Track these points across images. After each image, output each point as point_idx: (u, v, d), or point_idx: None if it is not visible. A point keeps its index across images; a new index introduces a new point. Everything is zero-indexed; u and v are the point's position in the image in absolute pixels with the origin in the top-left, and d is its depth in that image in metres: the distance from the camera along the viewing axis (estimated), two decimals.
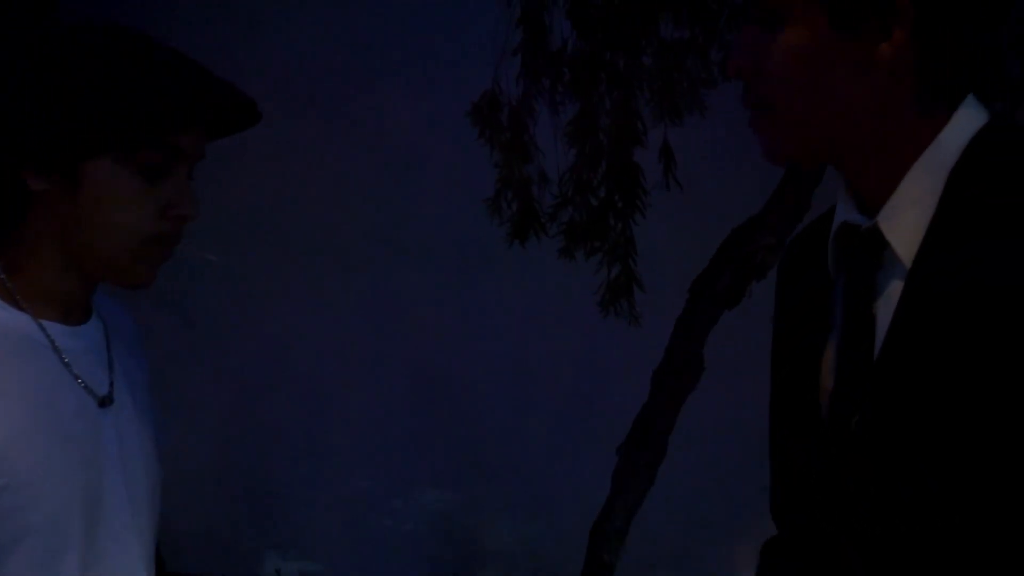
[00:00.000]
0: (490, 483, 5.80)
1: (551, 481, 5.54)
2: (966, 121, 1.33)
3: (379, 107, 5.50)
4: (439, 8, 5.42)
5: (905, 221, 1.33)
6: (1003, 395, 1.21)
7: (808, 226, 1.49)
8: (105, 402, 1.57)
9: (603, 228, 4.04)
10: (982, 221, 1.28)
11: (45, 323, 1.53)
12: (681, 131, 4.00)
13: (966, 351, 1.25)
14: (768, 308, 1.54)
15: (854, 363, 1.35)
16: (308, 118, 5.52)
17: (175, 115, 1.50)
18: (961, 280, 1.27)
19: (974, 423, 1.23)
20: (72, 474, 1.54)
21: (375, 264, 5.76)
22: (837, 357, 1.37)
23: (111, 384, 1.60)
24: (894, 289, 1.33)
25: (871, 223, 1.33)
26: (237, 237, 6.00)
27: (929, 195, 1.32)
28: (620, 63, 3.93)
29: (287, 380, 5.57)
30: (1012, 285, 1.22)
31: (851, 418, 1.33)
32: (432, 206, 5.56)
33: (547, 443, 5.59)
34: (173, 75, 1.50)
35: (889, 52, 1.30)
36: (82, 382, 1.54)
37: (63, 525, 1.54)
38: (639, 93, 3.93)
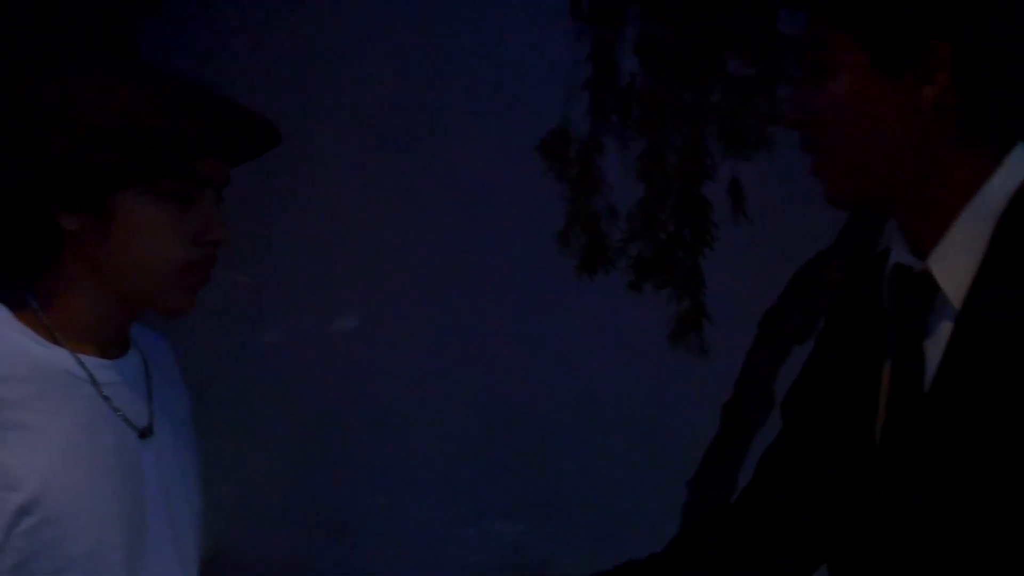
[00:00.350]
0: (560, 515, 5.81)
1: (621, 513, 5.55)
2: (1015, 168, 1.38)
3: (451, 140, 5.56)
4: (509, 45, 5.48)
5: (955, 265, 1.37)
6: None
7: (866, 260, 1.53)
8: (145, 433, 1.61)
9: (672, 262, 4.07)
10: None
11: (83, 357, 1.57)
12: (750, 165, 4.02)
13: (1012, 392, 1.29)
14: None
15: (906, 396, 1.41)
16: (383, 151, 5.60)
17: (191, 142, 1.54)
18: (1008, 323, 1.31)
19: (1019, 461, 1.28)
20: (113, 506, 1.57)
21: (446, 296, 5.81)
22: (889, 392, 1.43)
23: (151, 416, 1.64)
24: (944, 329, 1.39)
25: (922, 266, 1.38)
26: (310, 267, 6.08)
27: (978, 240, 1.36)
28: (688, 99, 3.97)
29: (360, 410, 5.64)
30: None
31: (902, 450, 1.39)
32: (502, 239, 5.61)
33: (617, 476, 5.60)
34: (187, 104, 1.54)
35: (932, 95, 1.35)
36: (122, 414, 1.59)
37: (104, 556, 1.56)
38: (707, 128, 3.97)
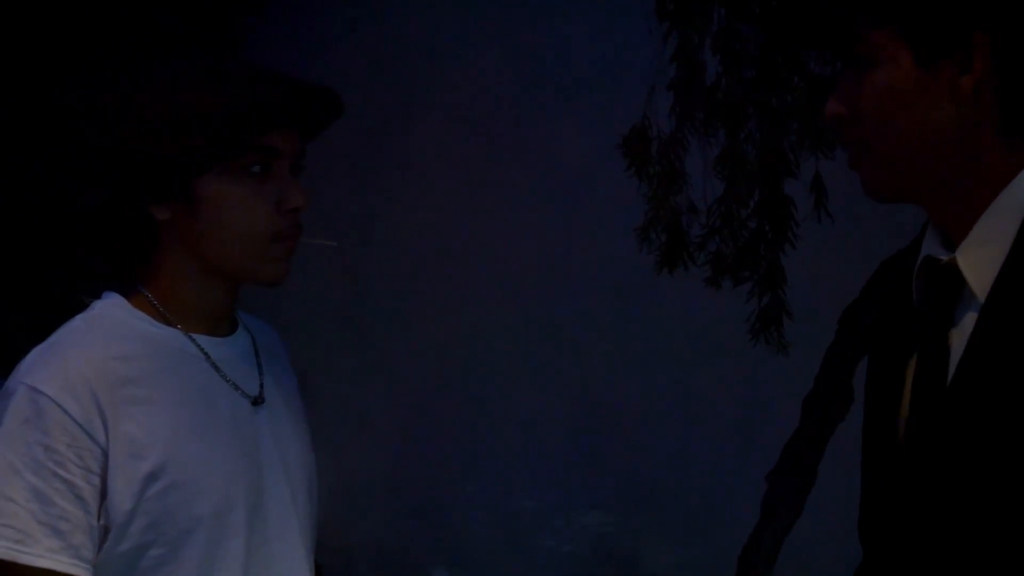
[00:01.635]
0: (648, 507, 5.83)
1: (708, 506, 5.55)
2: None
3: (546, 136, 5.62)
4: (599, 46, 5.53)
5: (981, 258, 1.39)
6: None
7: (900, 253, 1.57)
8: (258, 402, 1.75)
9: (753, 258, 4.10)
10: None
11: (195, 336, 1.71)
12: (832, 164, 4.04)
13: None
14: None
15: (928, 390, 1.43)
16: (480, 143, 5.68)
17: (257, 119, 1.65)
18: None
19: None
20: (233, 469, 1.70)
21: (537, 292, 5.87)
22: (913, 383, 1.46)
23: (261, 387, 1.77)
24: (969, 321, 1.40)
25: (950, 257, 1.41)
26: (407, 258, 6.18)
27: (1006, 234, 1.38)
28: (771, 98, 3.99)
29: (455, 400, 5.73)
30: None
31: (924, 441, 1.41)
32: (594, 234, 5.65)
33: (704, 468, 5.60)
34: (249, 84, 1.67)
35: (970, 84, 1.37)
36: (234, 385, 1.73)
37: (228, 516, 1.69)
38: (789, 127, 4.00)
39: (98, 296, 1.74)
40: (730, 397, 5.47)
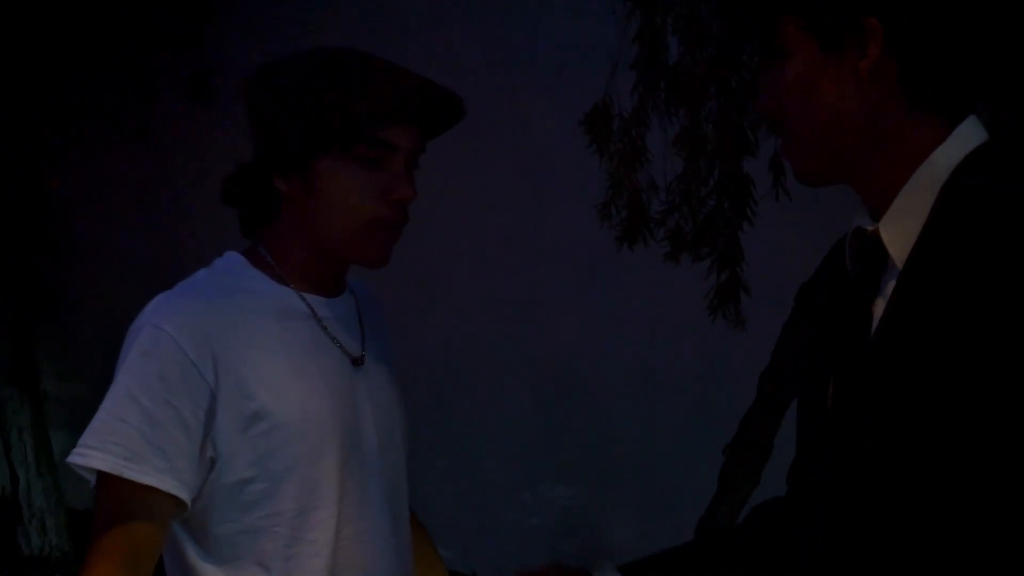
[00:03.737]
0: (612, 480, 5.89)
1: (670, 480, 5.61)
2: (961, 141, 1.48)
3: (512, 114, 5.65)
4: (567, 24, 5.56)
5: (900, 228, 1.47)
6: (975, 382, 1.34)
7: (844, 235, 1.66)
8: (357, 362, 1.90)
9: (712, 235, 4.17)
10: (963, 233, 1.41)
11: (306, 295, 1.87)
12: None
13: (943, 345, 1.38)
14: None
15: (851, 351, 1.52)
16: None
17: (375, 115, 1.79)
18: (942, 283, 1.40)
19: (950, 404, 1.36)
20: (330, 417, 1.85)
21: (503, 264, 5.91)
22: (839, 345, 1.55)
23: (362, 348, 1.94)
24: (890, 288, 1.49)
25: (874, 227, 1.50)
26: None
27: (922, 207, 1.46)
28: (731, 78, 4.05)
29: (422, 374, 5.80)
30: (985, 290, 1.35)
31: (846, 400, 1.50)
32: (557, 210, 5.69)
33: (667, 443, 5.65)
34: (374, 81, 1.83)
35: (866, 67, 1.46)
36: (338, 344, 1.88)
37: (323, 459, 1.84)
38: (749, 106, 4.06)
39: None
40: (692, 372, 5.53)
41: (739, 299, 4.21)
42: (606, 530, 5.96)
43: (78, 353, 7.47)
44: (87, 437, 1.75)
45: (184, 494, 1.75)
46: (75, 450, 1.75)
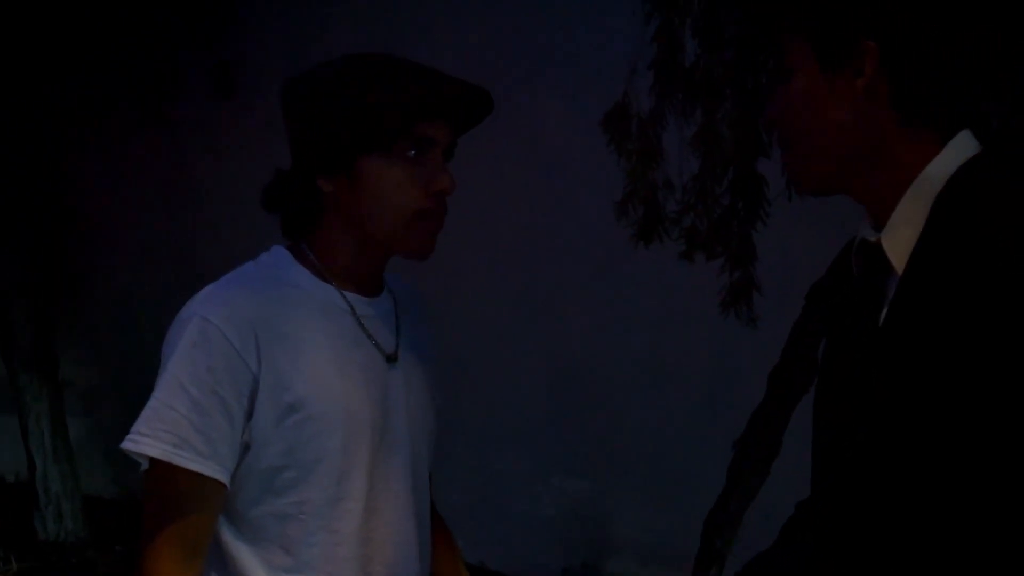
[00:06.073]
0: (622, 473, 5.93)
1: (680, 473, 5.64)
2: (955, 153, 1.56)
3: (530, 112, 5.67)
4: (581, 26, 5.60)
5: (899, 238, 1.56)
6: (971, 378, 1.42)
7: (854, 237, 1.73)
8: (391, 359, 1.97)
9: (726, 234, 4.22)
10: (957, 239, 1.49)
11: (346, 293, 1.95)
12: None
13: (939, 344, 1.45)
14: None
15: (861, 351, 1.60)
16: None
17: (414, 112, 1.87)
18: (938, 286, 1.48)
19: (949, 398, 1.44)
20: (362, 411, 1.92)
21: (519, 259, 5.94)
22: (851, 345, 1.63)
23: (397, 346, 2.00)
24: (892, 292, 1.57)
25: (876, 238, 1.58)
26: None
27: (919, 216, 1.55)
28: (747, 80, 4.09)
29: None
30: (979, 291, 1.43)
31: (856, 397, 1.57)
32: (574, 207, 5.73)
33: (676, 437, 5.68)
34: (410, 80, 1.90)
35: (862, 85, 1.55)
36: (374, 341, 1.96)
37: (353, 452, 1.91)
38: (764, 109, 4.10)
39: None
40: (702, 367, 5.57)
41: (751, 297, 4.25)
42: (616, 522, 5.99)
43: (96, 341, 7.54)
44: (139, 425, 1.83)
45: (226, 479, 1.83)
46: (128, 437, 1.83)
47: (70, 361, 7.07)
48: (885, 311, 1.56)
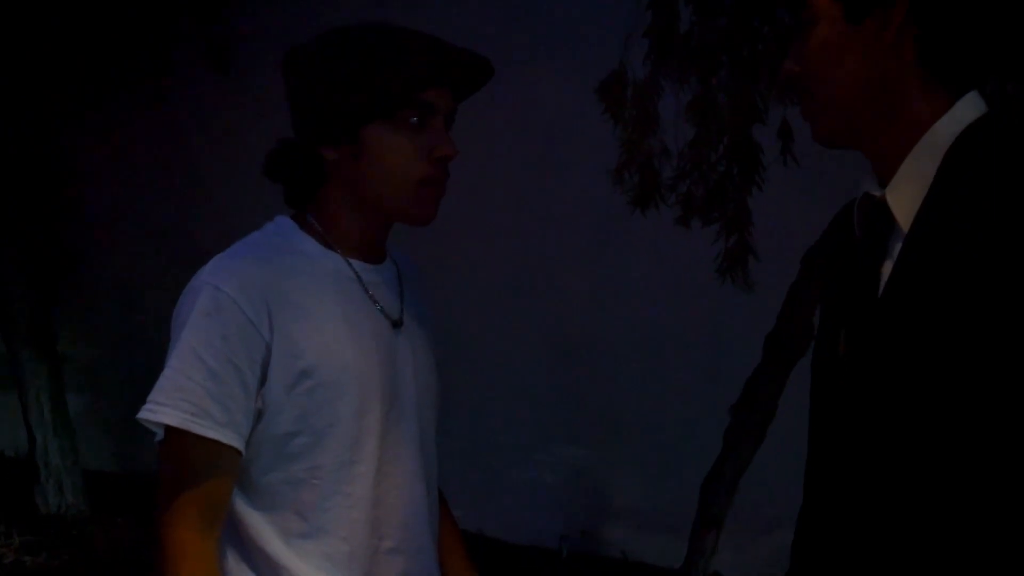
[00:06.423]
0: (620, 440, 5.94)
1: (677, 439, 5.66)
2: (964, 111, 1.55)
3: (527, 81, 5.66)
4: None
5: (905, 194, 1.54)
6: (976, 337, 1.40)
7: (852, 200, 1.75)
8: (397, 324, 1.98)
9: (721, 200, 4.25)
10: (964, 197, 1.47)
11: (351, 261, 1.95)
12: (799, 110, 4.15)
13: (946, 303, 1.43)
14: None
15: (861, 310, 1.58)
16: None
17: (417, 79, 1.88)
18: (945, 246, 1.46)
19: (953, 357, 1.42)
20: (372, 377, 1.92)
21: (517, 227, 5.94)
22: (850, 305, 1.61)
23: (402, 312, 2.01)
24: (896, 250, 1.54)
25: (882, 194, 1.57)
26: None
27: (926, 173, 1.53)
28: (742, 48, 4.11)
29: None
30: (985, 249, 1.41)
31: (856, 359, 1.55)
32: (571, 174, 5.72)
33: (673, 403, 5.69)
34: (411, 48, 1.91)
35: (889, 37, 1.54)
36: (380, 307, 1.97)
37: (364, 416, 1.92)
38: (759, 75, 4.12)
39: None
40: (700, 334, 5.57)
41: (747, 263, 4.28)
42: (614, 489, 6.02)
43: (94, 316, 7.55)
44: (155, 394, 1.82)
45: (242, 446, 1.84)
46: (144, 407, 1.82)
47: (69, 336, 7.08)
48: (891, 268, 1.55)
